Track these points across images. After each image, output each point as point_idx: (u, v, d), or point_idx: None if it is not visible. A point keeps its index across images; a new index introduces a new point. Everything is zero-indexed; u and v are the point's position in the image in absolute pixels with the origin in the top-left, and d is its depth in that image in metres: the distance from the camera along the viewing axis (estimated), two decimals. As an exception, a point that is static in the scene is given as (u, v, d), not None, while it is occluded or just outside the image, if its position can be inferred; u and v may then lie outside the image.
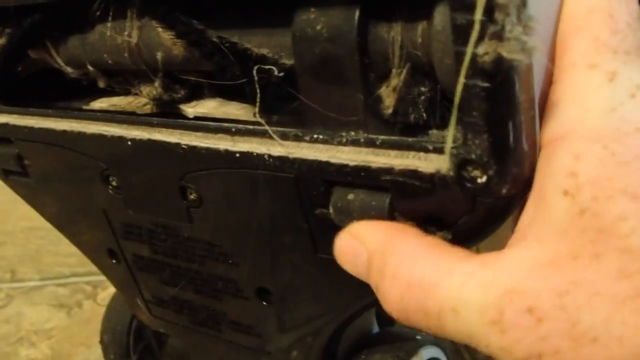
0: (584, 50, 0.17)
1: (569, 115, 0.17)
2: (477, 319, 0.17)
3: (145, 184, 0.28)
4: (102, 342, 0.43)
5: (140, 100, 0.28)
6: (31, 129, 0.31)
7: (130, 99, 0.29)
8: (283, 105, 0.23)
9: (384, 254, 0.19)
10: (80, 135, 0.29)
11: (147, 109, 0.28)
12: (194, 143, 0.25)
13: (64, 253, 0.60)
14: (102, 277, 0.55)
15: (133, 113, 0.28)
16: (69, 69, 0.30)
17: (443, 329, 0.18)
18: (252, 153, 0.23)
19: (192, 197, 0.27)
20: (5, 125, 0.32)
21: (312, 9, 0.20)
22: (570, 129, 0.17)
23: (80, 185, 0.32)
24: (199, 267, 0.30)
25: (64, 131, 0.29)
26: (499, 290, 0.16)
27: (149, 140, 0.26)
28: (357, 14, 0.19)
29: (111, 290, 0.55)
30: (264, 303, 0.29)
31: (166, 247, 0.30)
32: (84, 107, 0.30)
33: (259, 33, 0.23)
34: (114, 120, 0.27)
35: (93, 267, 0.55)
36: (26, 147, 0.32)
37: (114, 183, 0.30)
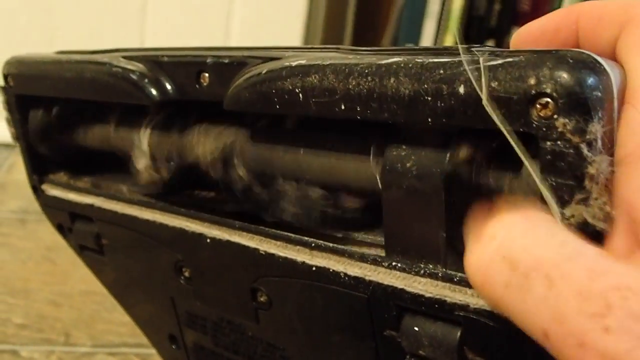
0: None
1: None
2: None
3: (218, 280, 0.29)
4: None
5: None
6: (115, 213, 0.33)
7: (212, 194, 0.31)
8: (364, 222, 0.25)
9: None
10: (162, 226, 0.30)
11: (229, 207, 0.29)
12: (272, 251, 0.26)
13: (116, 321, 0.61)
14: (151, 350, 0.56)
15: (214, 209, 0.29)
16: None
17: (523, 294, 0.15)
18: (328, 269, 0.24)
19: (262, 299, 0.28)
20: (91, 206, 0.34)
21: (404, 146, 0.21)
22: None
23: (152, 271, 0.33)
24: (259, 366, 0.30)
25: (147, 220, 0.31)
26: (609, 280, 0.14)
27: (228, 241, 0.27)
28: (447, 157, 0.20)
29: (159, 365, 0.56)
30: None
31: (228, 341, 0.31)
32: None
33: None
34: (196, 217, 0.29)
35: (143, 339, 0.55)
36: (106, 229, 0.34)
37: (186, 274, 0.31)
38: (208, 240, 0.28)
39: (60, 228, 0.38)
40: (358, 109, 0.21)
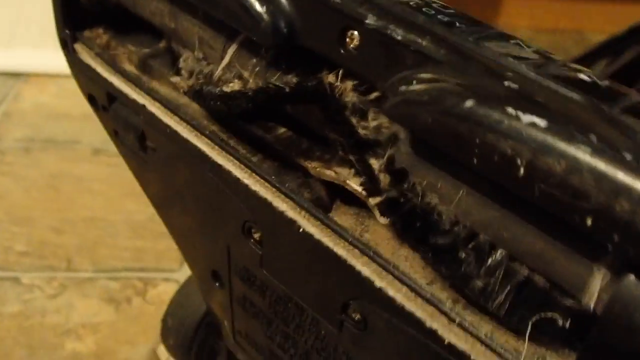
0: None
1: None
2: None
3: (299, 268, 0.24)
4: (164, 322, 0.40)
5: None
6: (173, 132, 0.26)
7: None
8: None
9: None
10: (234, 178, 0.24)
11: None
12: (370, 277, 0.20)
13: (119, 246, 0.59)
14: (154, 274, 0.56)
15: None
16: None
17: None
18: (432, 329, 0.19)
19: (354, 315, 0.22)
20: (143, 107, 0.27)
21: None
22: None
23: (210, 208, 0.27)
24: (308, 347, 0.26)
25: (214, 163, 0.24)
26: None
27: (319, 241, 0.22)
28: None
29: (161, 289, 0.56)
30: None
31: (285, 315, 0.27)
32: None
33: None
34: (281, 193, 0.22)
35: (146, 263, 0.56)
36: (156, 135, 0.27)
37: (255, 236, 0.25)
38: (290, 223, 0.22)
39: (91, 99, 0.31)
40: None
